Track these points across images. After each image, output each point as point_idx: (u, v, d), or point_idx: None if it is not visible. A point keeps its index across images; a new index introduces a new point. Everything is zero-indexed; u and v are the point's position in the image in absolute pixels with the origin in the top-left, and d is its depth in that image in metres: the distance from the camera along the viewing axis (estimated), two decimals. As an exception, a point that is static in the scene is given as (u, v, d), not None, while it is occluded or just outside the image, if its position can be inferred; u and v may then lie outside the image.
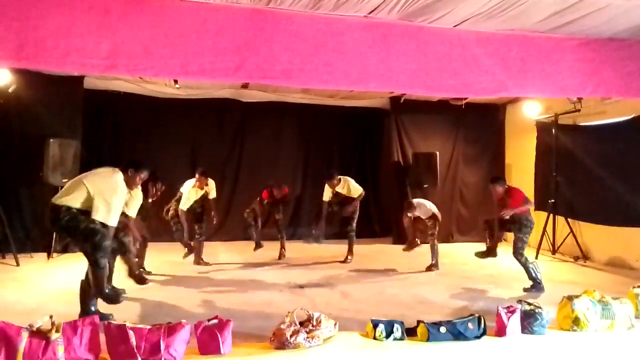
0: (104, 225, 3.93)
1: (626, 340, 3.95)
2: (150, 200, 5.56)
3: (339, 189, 7.05)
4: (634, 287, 4.58)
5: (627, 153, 6.56)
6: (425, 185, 8.82)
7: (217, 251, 7.51)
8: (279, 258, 7.12)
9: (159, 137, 8.41)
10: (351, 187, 7.08)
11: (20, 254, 6.49)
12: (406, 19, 4.64)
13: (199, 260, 6.68)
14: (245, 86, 8.21)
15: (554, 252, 7.75)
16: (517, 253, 5.54)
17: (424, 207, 6.73)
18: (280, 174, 8.56)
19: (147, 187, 5.37)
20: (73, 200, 3.94)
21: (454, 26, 4.78)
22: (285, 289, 5.49)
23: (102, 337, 3.34)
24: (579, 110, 7.25)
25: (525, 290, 5.48)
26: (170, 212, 6.55)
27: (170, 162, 8.09)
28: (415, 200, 6.85)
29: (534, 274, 5.51)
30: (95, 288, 3.98)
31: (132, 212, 4.75)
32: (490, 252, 5.93)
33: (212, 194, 6.71)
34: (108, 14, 3.95)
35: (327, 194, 7.15)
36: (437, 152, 8.88)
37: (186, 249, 6.58)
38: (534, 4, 4.28)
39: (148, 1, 4.10)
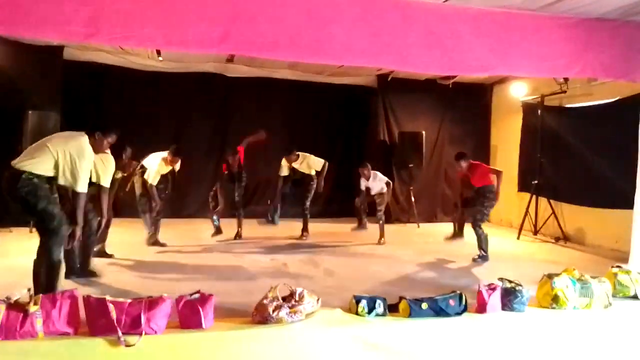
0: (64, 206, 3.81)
1: (604, 318, 4.02)
2: (122, 174, 5.43)
3: (296, 164, 6.99)
4: (612, 267, 4.66)
5: (611, 135, 6.60)
6: (410, 165, 8.84)
7: (201, 229, 7.46)
8: (235, 237, 6.89)
9: (142, 111, 8.27)
10: (310, 163, 7.01)
11: (-1, 229, 6.38)
12: (394, -7, 4.57)
13: (154, 240, 6.34)
14: (230, 60, 8.08)
15: (535, 232, 7.85)
16: (476, 224, 5.89)
17: (378, 178, 6.92)
18: (266, 151, 8.48)
19: (121, 159, 5.23)
20: (36, 165, 3.67)
21: (443, 1, 4.72)
22: (269, 267, 5.48)
23: (82, 311, 3.30)
24: (565, 92, 7.26)
25: (474, 259, 5.90)
26: (139, 190, 6.21)
27: (154, 136, 7.90)
28: (372, 172, 6.96)
29: (484, 245, 5.91)
30: (46, 282, 3.67)
31: (106, 182, 4.59)
32: (457, 235, 6.25)
33: (175, 171, 6.47)
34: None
35: (284, 169, 7.06)
36: (424, 132, 8.89)
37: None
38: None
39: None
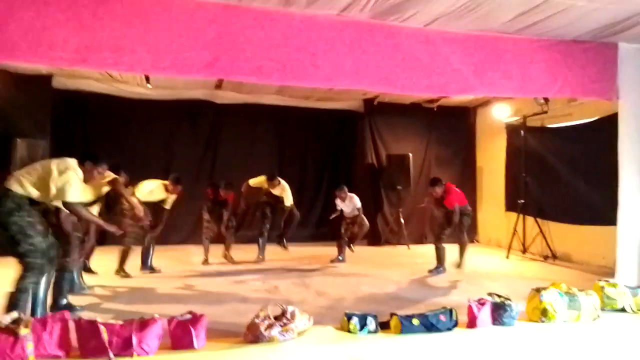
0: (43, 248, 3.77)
1: (592, 331, 4.07)
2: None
3: (275, 190, 7.04)
4: (599, 280, 4.73)
5: (591, 153, 6.76)
6: (398, 187, 8.93)
7: (190, 254, 7.43)
8: (225, 257, 7.00)
9: (131, 138, 8.32)
10: (286, 195, 7.07)
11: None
12: (378, 18, 4.72)
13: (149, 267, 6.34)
14: (218, 86, 8.19)
15: (524, 251, 7.93)
16: (441, 239, 6.33)
17: (353, 201, 7.09)
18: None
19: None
20: (21, 183, 3.71)
21: (425, 26, 4.89)
22: (261, 289, 5.47)
23: (73, 334, 3.28)
24: (546, 112, 7.46)
25: (430, 271, 6.34)
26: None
27: (143, 164, 7.92)
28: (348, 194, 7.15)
29: (443, 257, 6.37)
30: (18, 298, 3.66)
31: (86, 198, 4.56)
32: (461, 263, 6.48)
33: (168, 205, 6.37)
34: (78, 7, 3.92)
35: (255, 184, 7.10)
36: (410, 154, 9.01)
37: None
38: (500, 5, 4.41)
39: (120, -2, 4.08)
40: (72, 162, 3.95)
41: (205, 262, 6.86)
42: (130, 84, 7.94)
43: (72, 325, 3.29)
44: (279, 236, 7.24)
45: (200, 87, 8.31)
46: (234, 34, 4.39)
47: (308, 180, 8.84)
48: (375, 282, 5.89)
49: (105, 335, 3.18)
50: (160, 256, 6.66)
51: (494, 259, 7.70)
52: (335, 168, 9.69)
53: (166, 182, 6.25)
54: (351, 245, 7.32)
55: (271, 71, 4.55)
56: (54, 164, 3.84)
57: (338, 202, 7.20)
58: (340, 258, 7.18)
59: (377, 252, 7.20)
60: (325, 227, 9.12)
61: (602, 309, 4.40)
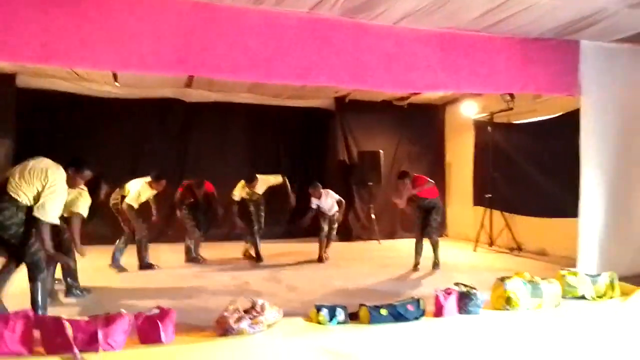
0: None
1: (554, 318, 4.20)
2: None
3: (257, 188, 7.05)
4: (561, 269, 4.89)
5: (554, 148, 6.95)
6: (369, 183, 9.02)
7: (160, 253, 7.35)
8: (194, 260, 6.89)
9: (98, 138, 8.12)
10: (269, 180, 7.13)
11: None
12: (347, 15, 4.77)
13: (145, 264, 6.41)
14: (188, 85, 8.13)
15: (491, 244, 8.11)
16: (435, 233, 6.35)
17: (329, 196, 7.05)
18: (226, 176, 8.47)
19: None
20: (21, 192, 3.73)
21: (394, 23, 4.96)
22: (231, 284, 5.47)
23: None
24: (512, 109, 7.63)
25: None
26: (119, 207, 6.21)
27: (112, 164, 7.77)
28: (323, 190, 7.09)
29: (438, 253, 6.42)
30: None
31: (83, 210, 4.60)
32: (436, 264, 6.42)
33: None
34: (42, 2, 3.86)
35: (239, 193, 7.03)
36: (381, 151, 9.10)
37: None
38: (467, 2, 4.51)
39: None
40: (60, 175, 3.90)
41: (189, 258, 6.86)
42: (98, 83, 7.81)
43: (35, 322, 3.24)
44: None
45: (169, 85, 8.23)
46: (204, 31, 4.38)
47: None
48: (346, 276, 5.95)
49: (70, 331, 3.15)
50: (126, 255, 6.54)
51: (462, 252, 7.85)
52: (307, 165, 9.69)
53: (148, 179, 6.29)
54: (325, 251, 7.17)
55: (242, 68, 4.56)
56: (48, 178, 3.79)
57: (313, 200, 7.06)
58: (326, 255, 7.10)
59: (349, 247, 7.28)
60: (296, 225, 9.14)
61: (564, 297, 4.55)
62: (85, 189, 4.65)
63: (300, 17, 4.69)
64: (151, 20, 4.19)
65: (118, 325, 3.28)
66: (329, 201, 7.07)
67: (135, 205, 6.14)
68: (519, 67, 5.47)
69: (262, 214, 7.21)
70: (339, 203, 7.12)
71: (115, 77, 7.31)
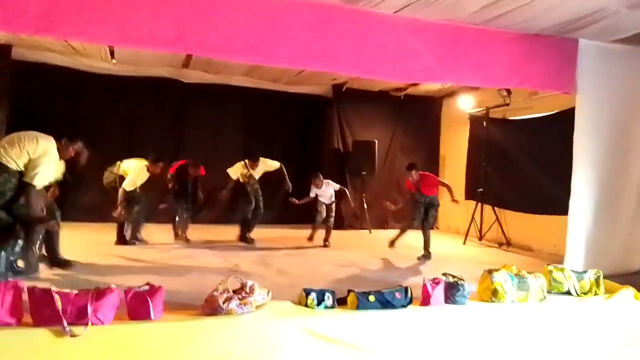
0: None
1: (538, 311, 4.26)
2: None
3: (256, 171, 7.06)
4: (548, 265, 4.95)
5: (548, 146, 6.99)
6: (363, 173, 9.05)
7: (151, 232, 7.36)
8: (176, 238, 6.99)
9: (93, 114, 8.09)
10: (267, 165, 7.17)
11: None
12: (348, 3, 4.76)
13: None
14: (186, 65, 8.07)
15: (480, 238, 8.18)
16: (429, 227, 6.49)
17: (330, 186, 7.17)
18: (221, 158, 8.46)
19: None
20: (11, 159, 3.98)
21: (394, 12, 4.95)
22: (221, 266, 5.49)
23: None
24: (508, 104, 7.66)
25: (419, 258, 6.36)
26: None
27: (105, 139, 7.76)
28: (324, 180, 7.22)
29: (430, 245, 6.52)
30: None
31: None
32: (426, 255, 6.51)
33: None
34: (41, -28, 3.82)
35: (237, 173, 7.05)
36: (376, 141, 9.12)
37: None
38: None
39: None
40: (51, 144, 4.16)
41: (179, 237, 6.96)
42: (94, 59, 7.74)
43: (25, 293, 3.25)
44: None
45: (167, 64, 8.17)
46: (203, 10, 4.36)
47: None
48: (335, 263, 5.99)
49: (59, 304, 3.16)
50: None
51: (451, 245, 7.92)
52: (302, 152, 9.70)
53: (145, 161, 6.33)
54: (327, 239, 7.30)
55: (240, 49, 4.55)
56: (38, 146, 4.08)
57: (313, 189, 7.17)
58: (327, 244, 7.23)
59: (340, 235, 7.32)
60: (289, 211, 9.17)
61: (549, 292, 4.61)
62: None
63: (302, 2, 4.68)
64: (151, -4, 4.16)
65: (108, 300, 3.30)
66: (328, 191, 7.17)
67: (128, 190, 6.17)
68: (516, 63, 5.49)
69: (261, 198, 7.21)
70: (341, 191, 7.26)
71: (112, 53, 7.24)
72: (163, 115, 8.80)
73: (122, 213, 6.21)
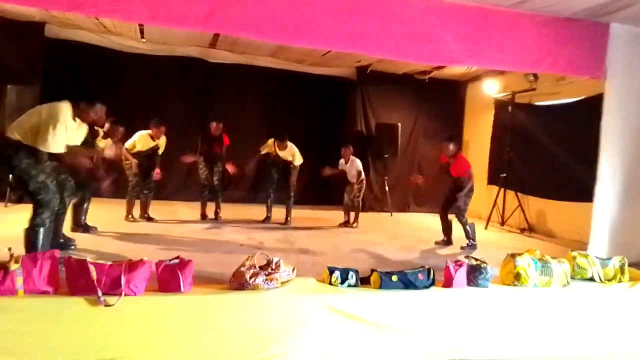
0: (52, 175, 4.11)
1: (562, 296, 4.26)
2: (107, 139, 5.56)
3: (281, 152, 7.07)
4: (572, 251, 4.93)
5: (575, 132, 6.91)
6: (386, 156, 9.05)
7: (177, 210, 7.53)
8: (215, 218, 7.08)
9: (122, 91, 8.21)
10: (294, 154, 7.17)
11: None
12: (374, -16, 4.74)
13: (144, 214, 6.69)
14: (212, 44, 8.12)
15: (502, 223, 8.15)
16: (462, 215, 6.20)
17: (354, 165, 7.24)
18: (243, 138, 8.53)
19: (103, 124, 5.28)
20: (20, 131, 3.97)
21: (421, -7, 4.91)
22: (246, 243, 5.61)
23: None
24: (534, 89, 7.56)
25: (462, 248, 6.16)
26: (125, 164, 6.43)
27: (133, 117, 7.84)
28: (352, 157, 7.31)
29: (471, 234, 6.23)
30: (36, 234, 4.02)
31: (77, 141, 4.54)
32: (447, 241, 6.40)
33: (161, 149, 6.72)
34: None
35: (266, 148, 7.12)
36: (399, 124, 9.09)
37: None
38: (498, -24, 4.44)
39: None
40: (62, 108, 4.06)
41: (204, 216, 7.05)
42: (124, 37, 7.85)
43: (62, 264, 3.37)
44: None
45: (194, 43, 8.23)
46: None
47: (296, 144, 8.79)
48: (358, 243, 6.06)
49: (94, 274, 3.28)
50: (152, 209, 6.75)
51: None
52: (325, 134, 9.72)
53: (148, 131, 6.46)
54: (354, 221, 7.40)
55: (269, 30, 4.57)
56: (45, 112, 4.01)
57: (341, 162, 7.33)
58: (354, 225, 7.35)
59: (361, 217, 7.37)
60: (312, 192, 9.24)
61: (573, 278, 4.60)
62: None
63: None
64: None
65: (140, 272, 3.40)
66: (353, 168, 7.26)
67: (128, 147, 6.29)
68: (545, 47, 5.39)
69: (292, 175, 7.24)
70: (359, 174, 7.27)
71: (142, 32, 7.32)
72: (189, 94, 8.90)
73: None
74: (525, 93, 7.85)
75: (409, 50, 5.09)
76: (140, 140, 6.39)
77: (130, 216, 6.50)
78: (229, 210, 7.51)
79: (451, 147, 6.21)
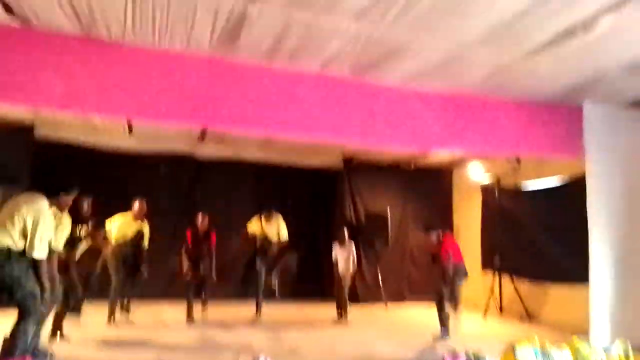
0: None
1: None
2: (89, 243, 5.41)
3: (271, 226, 7.04)
4: (573, 335, 4.71)
5: (561, 215, 6.89)
6: (376, 245, 8.92)
7: (162, 311, 7.22)
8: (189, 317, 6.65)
9: (111, 190, 8.17)
10: (280, 227, 7.12)
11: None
12: (357, 75, 4.95)
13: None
14: (201, 138, 8.26)
15: (500, 311, 7.87)
16: (457, 301, 5.97)
17: (351, 249, 7.16)
18: (234, 233, 8.42)
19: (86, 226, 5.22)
20: (10, 237, 3.81)
21: (400, 84, 5.13)
22: (233, 343, 5.33)
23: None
24: (518, 169, 7.65)
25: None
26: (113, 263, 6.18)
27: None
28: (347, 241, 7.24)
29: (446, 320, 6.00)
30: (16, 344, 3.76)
31: (59, 244, 4.49)
32: (444, 332, 6.05)
33: (145, 241, 6.49)
34: (65, 53, 4.05)
35: (252, 226, 7.11)
36: (389, 213, 9.07)
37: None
38: (469, 65, 4.67)
39: (106, 46, 4.23)
40: (43, 206, 4.03)
41: (190, 319, 6.61)
42: (113, 136, 7.97)
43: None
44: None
45: (183, 137, 8.34)
46: (219, 86, 4.56)
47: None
48: (352, 341, 5.82)
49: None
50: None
51: (471, 319, 7.59)
52: (315, 225, 9.62)
53: (128, 213, 6.35)
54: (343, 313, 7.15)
55: (253, 121, 4.69)
56: (29, 213, 3.92)
57: (336, 248, 7.20)
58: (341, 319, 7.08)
59: (355, 311, 7.11)
60: (303, 285, 8.97)
61: (576, 365, 4.35)
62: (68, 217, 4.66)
63: (312, 75, 4.88)
64: (168, 72, 4.40)
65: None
66: (346, 254, 7.16)
67: (115, 236, 6.14)
68: (523, 130, 5.59)
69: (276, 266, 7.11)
70: (353, 261, 7.14)
71: (130, 128, 7.46)
72: (177, 190, 8.89)
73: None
74: (511, 174, 7.94)
75: (391, 138, 5.22)
76: (121, 223, 6.19)
77: (112, 319, 6.18)
78: (217, 310, 7.22)
79: (432, 236, 6.15)
